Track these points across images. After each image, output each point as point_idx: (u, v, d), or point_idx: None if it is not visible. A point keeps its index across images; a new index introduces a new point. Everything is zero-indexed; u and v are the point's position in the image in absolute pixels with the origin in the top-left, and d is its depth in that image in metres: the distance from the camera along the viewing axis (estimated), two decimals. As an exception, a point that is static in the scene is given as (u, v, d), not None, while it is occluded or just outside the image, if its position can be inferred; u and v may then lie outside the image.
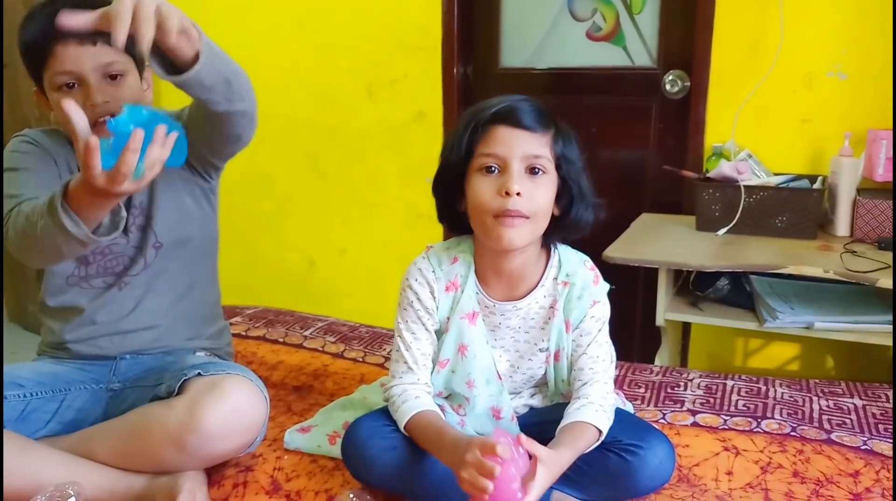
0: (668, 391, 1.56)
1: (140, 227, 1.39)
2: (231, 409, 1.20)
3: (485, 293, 1.24)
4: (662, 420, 1.44)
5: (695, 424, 1.42)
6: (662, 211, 2.31)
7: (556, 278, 1.24)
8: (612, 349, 1.28)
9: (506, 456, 0.99)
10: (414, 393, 1.20)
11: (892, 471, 1.26)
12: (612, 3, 2.40)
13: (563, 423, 1.16)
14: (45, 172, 1.33)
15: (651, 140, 2.41)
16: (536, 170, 1.14)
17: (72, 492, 1.13)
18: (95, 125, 1.16)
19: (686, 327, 2.28)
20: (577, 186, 1.17)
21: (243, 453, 1.30)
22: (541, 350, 1.26)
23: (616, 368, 1.62)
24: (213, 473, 1.28)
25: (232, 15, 2.73)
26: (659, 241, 1.99)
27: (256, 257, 2.86)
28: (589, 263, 1.27)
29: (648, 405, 1.51)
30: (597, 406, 1.18)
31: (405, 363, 1.23)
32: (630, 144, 2.44)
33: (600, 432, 1.16)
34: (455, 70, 2.51)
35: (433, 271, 1.24)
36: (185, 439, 1.18)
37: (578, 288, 1.23)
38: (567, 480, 1.16)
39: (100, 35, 1.16)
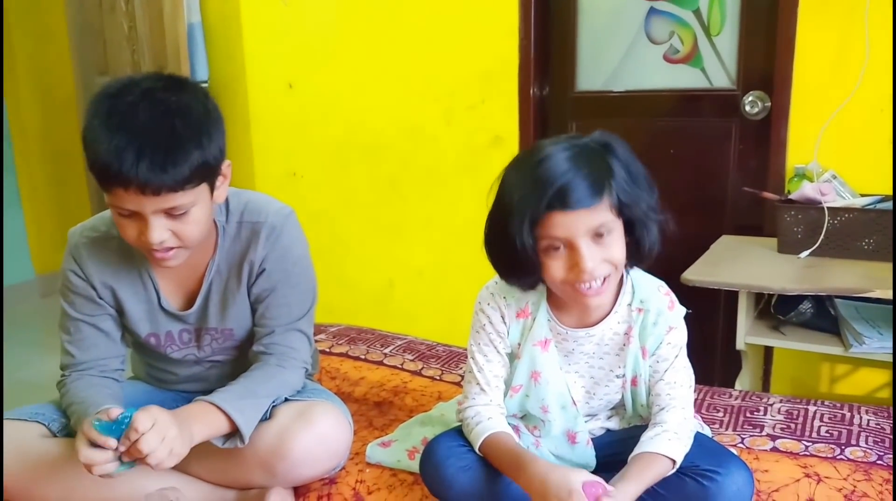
0: (748, 415, 1.54)
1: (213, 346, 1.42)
2: (318, 437, 1.26)
3: (557, 321, 1.25)
4: (741, 445, 1.43)
5: (774, 449, 1.40)
6: (743, 233, 2.28)
7: (630, 305, 1.24)
8: (691, 372, 1.27)
9: None
10: (487, 414, 1.23)
11: None
12: (690, 26, 2.40)
13: (635, 451, 1.17)
14: (96, 315, 1.34)
15: (731, 162, 2.39)
16: (602, 234, 1.12)
17: (171, 497, 1.22)
18: (150, 252, 1.21)
19: (768, 351, 2.24)
20: (642, 221, 1.15)
21: (329, 475, 1.36)
22: (617, 376, 1.26)
23: (695, 391, 1.62)
24: (299, 487, 1.34)
25: (316, 46, 2.85)
26: (739, 263, 1.97)
27: (340, 277, 2.95)
28: (664, 288, 1.27)
29: (727, 429, 1.50)
30: (671, 434, 1.18)
31: (478, 384, 1.26)
32: (709, 166, 2.42)
33: (674, 462, 1.16)
34: (532, 94, 2.55)
35: (504, 298, 1.26)
36: (275, 464, 1.25)
37: (653, 314, 1.23)
38: None
39: (165, 186, 1.12)
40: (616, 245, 1.14)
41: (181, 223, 1.19)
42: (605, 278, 1.14)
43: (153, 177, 1.10)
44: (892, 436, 1.42)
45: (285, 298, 1.34)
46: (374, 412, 1.63)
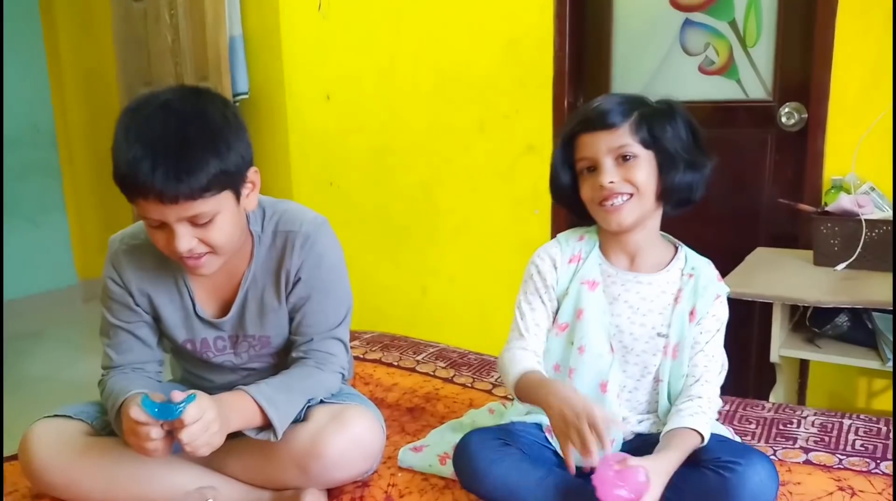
0: (781, 427, 1.53)
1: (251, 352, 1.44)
2: (352, 439, 1.29)
3: (608, 262, 1.33)
4: (773, 456, 1.41)
5: (807, 462, 1.39)
6: (778, 245, 2.26)
7: (682, 270, 1.33)
8: (725, 358, 1.33)
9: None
10: (521, 357, 1.29)
11: None
12: (725, 37, 2.40)
13: (670, 425, 1.23)
14: (132, 322, 1.37)
15: (766, 173, 2.37)
16: (626, 157, 1.25)
17: (209, 496, 1.25)
18: (182, 260, 1.23)
19: (804, 365, 2.22)
20: (671, 157, 1.26)
21: (362, 478, 1.38)
22: (659, 335, 1.30)
23: (726, 403, 1.61)
24: (332, 488, 1.37)
25: (352, 58, 2.90)
26: (774, 275, 1.96)
27: (374, 284, 2.99)
28: (712, 265, 1.35)
29: (759, 441, 1.49)
30: (705, 408, 1.25)
31: (518, 330, 1.34)
32: (744, 178, 2.41)
33: (702, 438, 1.21)
34: (566, 105, 2.57)
35: (559, 246, 1.36)
36: (309, 465, 1.27)
37: (704, 280, 1.31)
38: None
39: (182, 195, 1.14)
40: (639, 169, 1.26)
41: (207, 231, 1.20)
42: (627, 198, 1.25)
43: (169, 186, 1.12)
44: (929, 451, 1.40)
45: (321, 305, 1.37)
46: (406, 418, 1.65)
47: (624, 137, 1.25)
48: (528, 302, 1.35)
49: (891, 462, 1.37)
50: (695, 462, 1.19)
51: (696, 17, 2.42)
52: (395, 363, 1.93)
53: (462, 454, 1.26)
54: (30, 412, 1.47)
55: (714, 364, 1.30)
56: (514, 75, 2.64)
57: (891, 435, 1.47)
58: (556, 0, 2.52)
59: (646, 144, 1.25)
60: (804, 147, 2.23)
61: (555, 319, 1.34)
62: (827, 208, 2.02)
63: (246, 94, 2.99)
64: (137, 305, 1.37)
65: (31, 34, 3.87)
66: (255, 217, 1.36)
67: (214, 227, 1.20)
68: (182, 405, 1.12)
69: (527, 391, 1.23)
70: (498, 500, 1.24)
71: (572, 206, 1.35)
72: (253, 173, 1.27)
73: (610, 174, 1.25)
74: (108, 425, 1.34)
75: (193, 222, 1.19)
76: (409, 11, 2.77)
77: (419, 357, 1.96)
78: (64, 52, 3.97)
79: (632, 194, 1.26)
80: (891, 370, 1.77)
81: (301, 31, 2.96)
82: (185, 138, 1.14)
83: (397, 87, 2.85)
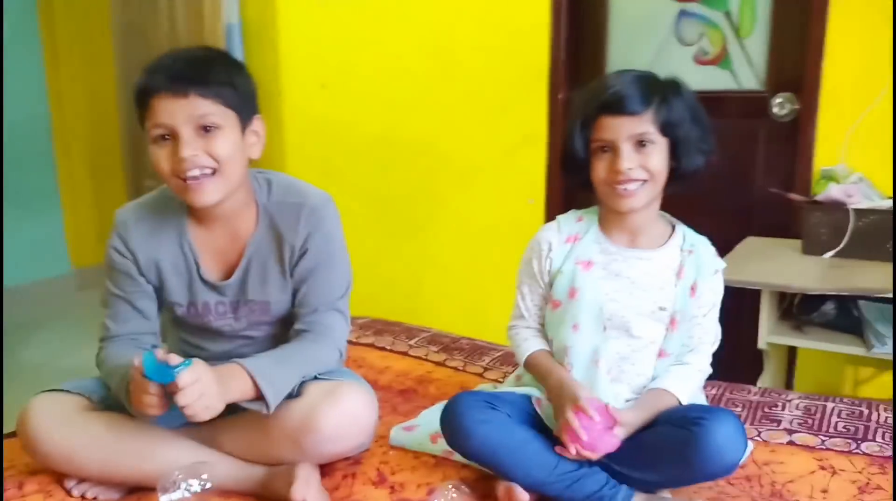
0: (766, 410, 1.56)
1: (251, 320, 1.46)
2: (346, 413, 1.31)
3: (608, 241, 1.37)
4: (757, 438, 1.44)
5: (791, 443, 1.42)
6: (768, 234, 2.29)
7: (681, 247, 1.37)
8: (719, 330, 1.39)
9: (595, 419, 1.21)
10: (526, 336, 1.41)
11: None
12: (720, 27, 2.42)
13: (653, 384, 1.32)
14: (133, 292, 1.40)
15: (757, 163, 2.40)
16: (644, 143, 1.28)
17: (203, 470, 1.27)
18: (185, 181, 1.27)
19: (791, 353, 2.24)
20: (685, 144, 1.30)
21: (355, 453, 1.40)
22: (661, 309, 1.34)
23: (714, 387, 1.64)
24: (325, 465, 1.39)
25: (349, 47, 2.91)
26: (763, 263, 1.99)
27: (370, 272, 2.99)
28: (708, 241, 1.40)
29: (745, 423, 1.51)
30: (692, 375, 1.33)
31: (520, 310, 1.44)
32: (736, 168, 2.42)
33: (679, 403, 1.29)
34: (560, 96, 2.59)
35: (557, 228, 1.41)
36: (303, 439, 1.29)
37: (704, 256, 1.37)
38: (638, 463, 1.22)
39: (192, 86, 1.23)
40: (655, 156, 1.29)
41: (211, 141, 1.26)
42: (641, 184, 1.29)
43: (183, 79, 1.23)
44: (910, 433, 1.43)
45: (326, 278, 1.41)
46: (398, 399, 1.68)
47: (646, 124, 1.28)
48: (527, 285, 1.43)
49: (872, 443, 1.40)
50: (661, 420, 1.25)
51: (692, 7, 2.44)
52: (388, 347, 1.95)
53: (450, 412, 1.30)
54: (27, 399, 1.49)
55: (708, 336, 1.37)
56: (510, 66, 2.66)
57: (872, 417, 1.50)
58: (551, -10, 2.53)
59: (663, 131, 1.29)
60: (795, 138, 2.26)
61: (549, 293, 1.40)
62: (816, 198, 2.04)
63: (242, 82, 3.00)
64: (142, 272, 1.40)
65: (28, 23, 3.87)
66: (261, 188, 1.42)
67: (219, 139, 1.27)
68: (178, 368, 1.14)
69: (536, 369, 1.38)
70: (482, 458, 1.28)
71: (581, 178, 1.36)
72: (258, 122, 1.36)
73: (628, 160, 1.28)
74: (107, 399, 1.36)
75: (200, 126, 1.26)
76: (407, 2, 2.78)
77: (411, 341, 1.99)
78: (61, 42, 3.97)
79: (646, 180, 1.29)
80: (876, 357, 1.79)
81: (298, 19, 2.97)
82: (207, 53, 1.32)
83: (394, 76, 2.87)
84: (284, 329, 1.46)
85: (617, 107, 1.28)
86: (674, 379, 1.31)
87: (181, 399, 1.15)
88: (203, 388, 1.17)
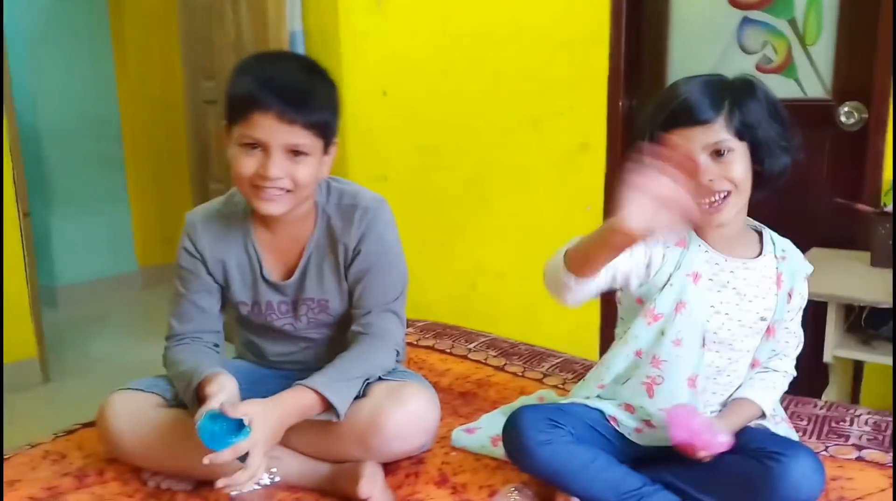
0: (833, 425, 1.53)
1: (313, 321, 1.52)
2: (410, 413, 1.35)
3: (714, 250, 1.29)
4: (825, 453, 1.42)
5: (860, 459, 1.40)
6: (834, 246, 2.24)
7: (773, 253, 1.33)
8: (802, 333, 1.38)
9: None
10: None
11: None
12: (784, 35, 2.38)
13: (739, 393, 1.31)
14: (198, 292, 1.47)
15: (823, 173, 2.35)
16: (721, 152, 1.21)
17: (272, 465, 1.32)
18: (258, 192, 1.33)
19: (858, 367, 2.19)
20: (766, 146, 1.22)
21: (418, 452, 1.43)
22: (762, 319, 1.30)
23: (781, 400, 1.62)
24: (389, 463, 1.42)
25: (409, 54, 2.96)
26: (829, 275, 1.95)
27: (424, 278, 3.03)
28: (793, 243, 1.38)
29: (811, 437, 1.50)
30: (777, 383, 1.33)
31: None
32: (801, 177, 2.34)
33: (763, 415, 1.28)
34: (620, 103, 2.58)
35: None
36: (369, 439, 1.33)
37: (795, 260, 1.34)
38: (707, 488, 1.21)
39: (300, 116, 1.28)
40: (736, 164, 1.21)
41: (297, 166, 1.32)
42: (725, 196, 1.21)
43: (292, 107, 1.28)
44: None
45: (380, 279, 1.45)
46: (458, 402, 1.70)
47: (720, 132, 1.20)
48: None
49: (946, 461, 1.37)
50: (739, 450, 1.20)
51: (755, 15, 2.42)
52: (448, 351, 1.98)
53: (511, 430, 1.29)
54: (95, 391, 1.57)
55: (794, 340, 1.36)
56: (568, 73, 2.66)
57: (946, 435, 1.46)
58: (612, -1, 2.53)
59: (740, 136, 1.21)
60: (863, 147, 2.21)
61: (646, 305, 1.28)
62: (885, 209, 2.00)
63: (305, 88, 3.07)
64: (209, 272, 1.46)
65: (99, 30, 4.03)
66: (321, 190, 1.47)
67: (303, 165, 1.33)
68: (236, 438, 1.18)
69: (577, 247, 1.17)
70: (543, 477, 1.29)
71: None
72: (333, 145, 1.41)
73: (708, 172, 1.19)
74: (178, 397, 1.41)
75: (291, 151, 1.31)
76: (468, 9, 2.81)
77: (471, 346, 2.01)
78: (130, 49, 4.12)
79: (730, 191, 1.22)
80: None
81: (359, 26, 3.03)
82: (311, 77, 1.34)
83: (452, 83, 2.90)
84: (342, 333, 1.50)
85: (686, 118, 1.20)
86: (758, 389, 1.30)
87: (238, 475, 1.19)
88: (262, 450, 1.21)
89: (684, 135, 1.20)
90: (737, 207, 1.25)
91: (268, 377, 1.53)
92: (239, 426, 1.19)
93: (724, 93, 1.22)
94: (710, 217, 1.23)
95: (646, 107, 1.33)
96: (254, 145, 1.31)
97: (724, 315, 1.29)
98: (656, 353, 1.29)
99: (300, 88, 1.31)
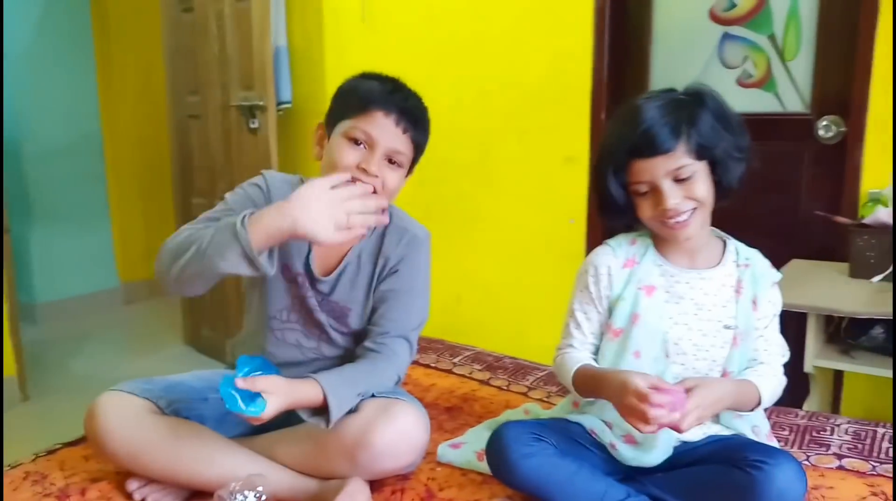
0: (814, 434, 1.55)
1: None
2: (399, 430, 1.34)
3: (669, 263, 1.34)
4: (806, 462, 1.44)
5: (840, 468, 1.41)
6: (814, 257, 2.27)
7: (735, 262, 1.35)
8: (785, 342, 1.37)
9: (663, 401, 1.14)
10: (573, 354, 1.36)
11: None
12: (764, 50, 2.42)
13: (742, 375, 1.30)
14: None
15: (802, 186, 2.39)
16: (683, 178, 1.25)
17: (258, 483, 1.31)
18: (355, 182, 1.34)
19: (838, 377, 2.21)
20: (723, 162, 1.26)
21: (406, 471, 1.43)
22: (726, 327, 1.32)
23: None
24: (374, 480, 1.41)
25: (393, 68, 2.96)
26: (809, 286, 1.97)
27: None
28: (760, 253, 1.39)
29: (792, 447, 1.51)
30: (768, 375, 1.31)
31: (572, 337, 1.39)
32: (780, 190, 2.42)
33: (759, 403, 1.27)
34: (603, 117, 2.60)
35: (612, 252, 1.37)
36: (357, 454, 1.33)
37: (759, 268, 1.35)
38: (691, 498, 1.21)
39: (409, 130, 1.40)
40: (698, 184, 1.26)
41: (390, 172, 1.40)
42: (691, 212, 1.26)
43: (408, 118, 1.40)
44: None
45: (406, 304, 1.47)
46: (444, 417, 1.70)
47: (680, 158, 1.24)
48: (584, 312, 1.38)
49: (925, 470, 1.38)
50: (722, 460, 1.22)
51: (735, 30, 2.45)
52: (433, 365, 1.98)
53: (495, 445, 1.30)
54: (75, 409, 1.54)
55: (773, 347, 1.35)
56: (552, 88, 2.68)
57: (926, 444, 1.48)
58: (595, 14, 2.56)
59: (699, 156, 1.25)
60: (842, 160, 2.24)
61: (607, 322, 1.36)
62: (864, 221, 2.03)
63: (289, 103, 3.07)
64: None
65: (83, 46, 4.02)
66: None
67: (395, 173, 1.42)
68: (255, 408, 1.22)
69: (584, 386, 1.31)
70: (527, 491, 1.29)
71: (624, 221, 1.36)
72: (414, 169, 1.50)
73: (672, 197, 1.25)
74: (173, 405, 1.41)
75: (389, 158, 1.40)
76: (453, 23, 2.84)
77: (455, 360, 2.01)
78: (114, 65, 4.11)
79: (695, 208, 1.27)
80: (927, 382, 1.77)
81: (344, 41, 3.04)
82: (423, 104, 1.50)
83: (438, 97, 2.87)
84: (353, 347, 1.51)
85: (649, 150, 1.24)
86: (756, 375, 1.29)
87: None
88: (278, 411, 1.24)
89: (646, 165, 1.25)
90: (701, 221, 1.30)
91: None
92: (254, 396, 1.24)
93: (680, 114, 1.25)
94: (676, 233, 1.28)
95: (610, 127, 1.35)
96: (359, 142, 1.38)
97: (683, 326, 1.32)
98: (620, 367, 1.32)
99: (418, 107, 1.45)
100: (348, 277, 1.48)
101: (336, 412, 1.30)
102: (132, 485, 1.38)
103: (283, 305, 1.50)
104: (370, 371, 1.42)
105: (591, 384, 1.30)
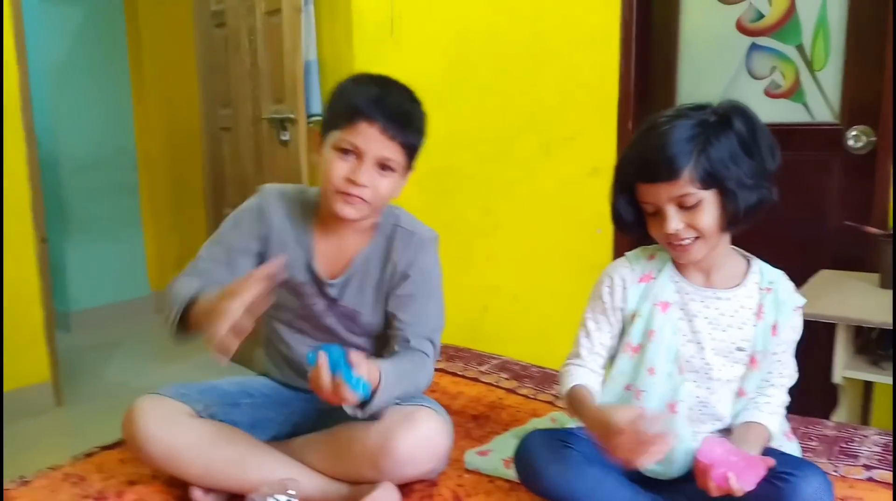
0: (843, 445, 1.54)
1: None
2: (421, 438, 1.36)
3: (685, 280, 1.33)
4: (835, 473, 1.43)
5: (870, 479, 1.40)
6: (843, 268, 2.25)
7: (758, 284, 1.32)
8: (796, 366, 1.36)
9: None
10: (575, 372, 1.34)
11: None
12: (792, 61, 2.42)
13: (745, 417, 1.30)
14: (238, 252, 1.47)
15: (831, 196, 2.37)
16: (687, 206, 1.23)
17: (291, 487, 1.33)
18: (343, 195, 1.38)
19: (868, 388, 2.19)
20: (731, 189, 1.21)
21: (429, 477, 1.45)
22: (738, 349, 1.31)
23: (789, 421, 1.62)
24: (403, 485, 1.43)
25: (420, 83, 3.00)
26: (838, 297, 1.96)
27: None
28: (786, 276, 1.35)
29: (821, 458, 1.50)
30: (776, 407, 1.31)
31: (580, 348, 1.37)
32: (810, 200, 2.41)
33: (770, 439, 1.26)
34: (630, 127, 2.61)
35: (629, 266, 1.37)
36: (380, 461, 1.35)
37: (783, 293, 1.32)
38: None
39: (399, 135, 1.39)
40: (702, 214, 1.23)
41: (382, 179, 1.40)
42: (694, 240, 1.25)
43: (395, 125, 1.38)
44: None
45: (424, 308, 1.49)
46: (471, 424, 1.72)
47: (684, 186, 1.21)
48: (596, 321, 1.37)
49: (958, 482, 1.37)
50: None
51: (763, 41, 2.45)
52: (460, 373, 2.00)
53: (522, 452, 1.32)
54: (108, 415, 1.57)
55: (787, 371, 1.34)
56: (578, 98, 2.70)
57: (958, 457, 1.46)
58: (622, 24, 2.57)
59: (706, 185, 1.21)
60: (872, 170, 2.23)
61: (624, 339, 1.35)
62: (894, 231, 2.01)
63: (320, 115, 3.12)
64: (263, 232, 1.48)
65: (117, 61, 4.11)
66: (384, 210, 1.52)
67: (387, 179, 1.42)
68: (361, 392, 1.24)
69: (572, 409, 1.32)
70: (554, 498, 1.30)
71: (639, 234, 1.34)
72: (413, 169, 1.49)
73: (674, 222, 1.23)
74: (209, 409, 1.45)
75: (381, 165, 1.40)
76: (479, 36, 2.86)
77: (482, 368, 2.03)
78: (147, 79, 4.19)
79: (697, 237, 1.25)
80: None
81: (373, 55, 3.08)
82: (414, 104, 1.47)
83: (464, 109, 2.94)
84: (368, 346, 1.53)
85: (651, 176, 1.23)
86: (761, 413, 1.29)
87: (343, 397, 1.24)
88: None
89: (651, 188, 1.24)
90: (705, 250, 1.27)
91: (292, 399, 1.56)
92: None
93: (693, 140, 1.21)
94: (679, 255, 1.29)
95: (627, 147, 1.32)
96: (349, 152, 1.39)
97: (696, 344, 1.31)
98: (636, 384, 1.33)
99: (405, 110, 1.43)
100: (356, 281, 1.50)
101: (377, 404, 1.31)
102: (196, 494, 1.40)
103: (290, 314, 1.54)
104: (413, 372, 1.43)
105: (577, 411, 1.30)
